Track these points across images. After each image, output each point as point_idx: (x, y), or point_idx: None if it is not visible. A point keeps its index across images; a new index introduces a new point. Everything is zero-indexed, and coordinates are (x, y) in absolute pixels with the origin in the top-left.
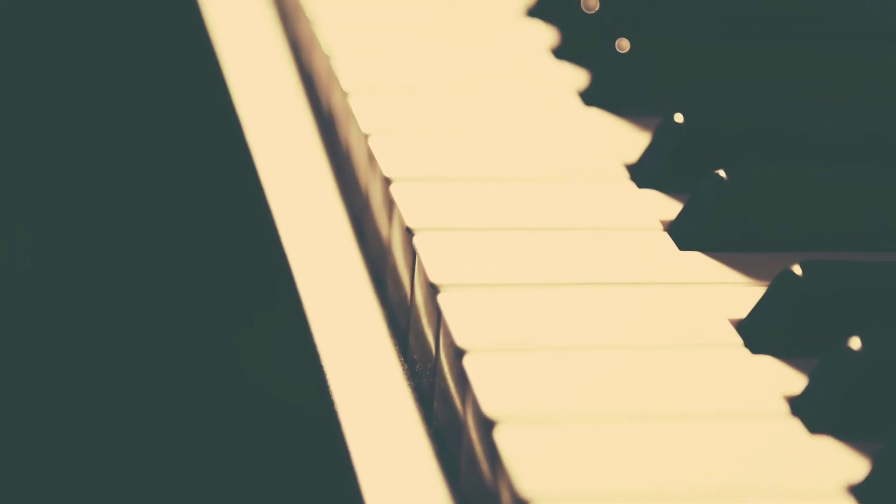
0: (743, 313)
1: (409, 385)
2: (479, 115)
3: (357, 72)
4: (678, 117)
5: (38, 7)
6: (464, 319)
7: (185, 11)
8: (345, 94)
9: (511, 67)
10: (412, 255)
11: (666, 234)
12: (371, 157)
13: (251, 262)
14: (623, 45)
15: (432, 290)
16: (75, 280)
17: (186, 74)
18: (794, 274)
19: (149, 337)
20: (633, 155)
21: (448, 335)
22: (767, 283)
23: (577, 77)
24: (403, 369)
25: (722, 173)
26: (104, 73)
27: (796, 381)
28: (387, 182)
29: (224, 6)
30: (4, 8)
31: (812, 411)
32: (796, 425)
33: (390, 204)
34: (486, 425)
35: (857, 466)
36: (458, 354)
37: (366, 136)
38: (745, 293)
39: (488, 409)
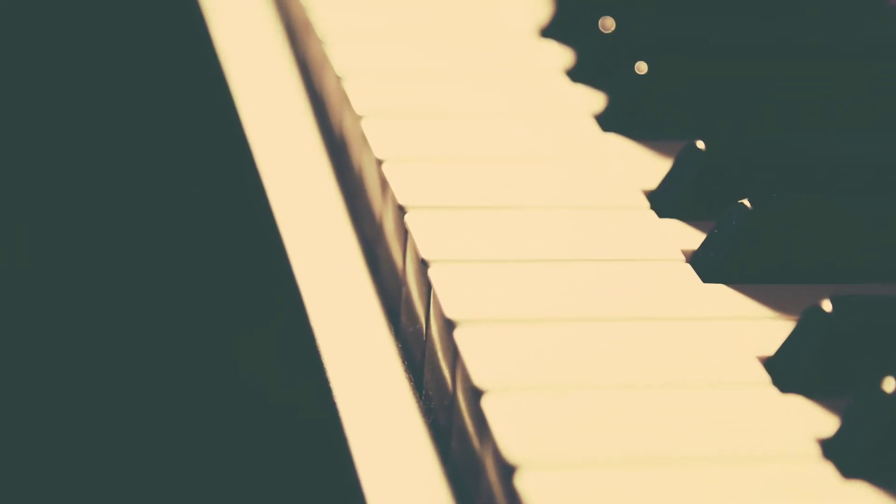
0: (770, 350)
1: (425, 422)
2: (496, 141)
3: (371, 95)
4: (700, 144)
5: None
6: (482, 357)
7: (193, 31)
8: (357, 118)
9: (526, 91)
10: (427, 287)
11: (688, 266)
12: (385, 185)
13: (262, 293)
14: (641, 67)
15: (448, 325)
16: (78, 280)
17: (194, 97)
18: (823, 310)
19: (152, 347)
20: (653, 181)
21: (465, 374)
22: (795, 317)
23: (594, 100)
24: (419, 405)
25: (747, 203)
26: (118, 90)
27: (828, 423)
28: (401, 211)
29: (233, 26)
30: (8, 8)
31: (845, 455)
32: (828, 469)
33: (404, 233)
34: (507, 470)
35: None
36: (475, 393)
37: (379, 163)
38: (771, 328)
39: (510, 454)
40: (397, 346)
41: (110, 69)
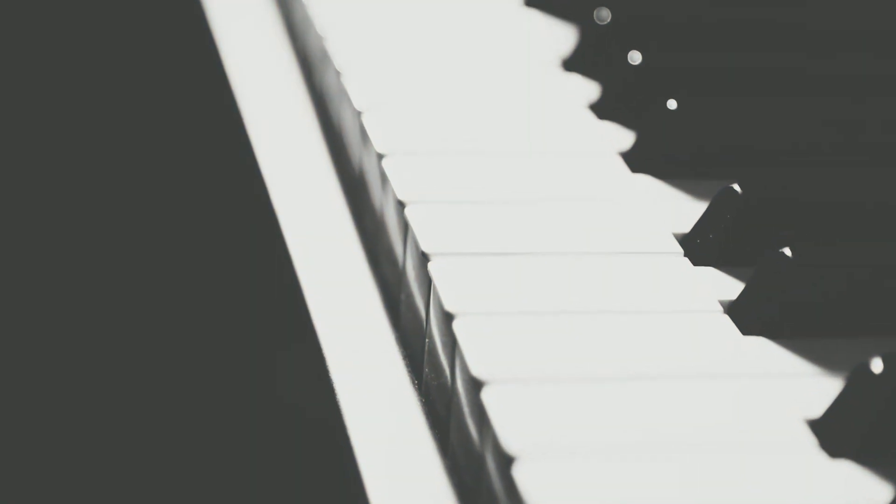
0: (817, 410)
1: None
2: (522, 182)
3: (393, 135)
4: (736, 187)
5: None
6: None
7: (211, 71)
8: (380, 157)
9: (551, 128)
10: (452, 343)
11: (727, 317)
12: (408, 229)
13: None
14: (671, 104)
15: (474, 385)
16: (73, 276)
17: (211, 139)
18: (872, 371)
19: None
20: (685, 224)
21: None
22: (841, 373)
23: (621, 136)
24: (420, 400)
25: (787, 251)
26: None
27: (881, 491)
28: (424, 258)
29: (247, 58)
30: (12, 9)
31: None
32: None
33: (428, 282)
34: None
35: None
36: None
37: (402, 205)
38: (817, 386)
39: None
40: (420, 401)
41: (123, 84)
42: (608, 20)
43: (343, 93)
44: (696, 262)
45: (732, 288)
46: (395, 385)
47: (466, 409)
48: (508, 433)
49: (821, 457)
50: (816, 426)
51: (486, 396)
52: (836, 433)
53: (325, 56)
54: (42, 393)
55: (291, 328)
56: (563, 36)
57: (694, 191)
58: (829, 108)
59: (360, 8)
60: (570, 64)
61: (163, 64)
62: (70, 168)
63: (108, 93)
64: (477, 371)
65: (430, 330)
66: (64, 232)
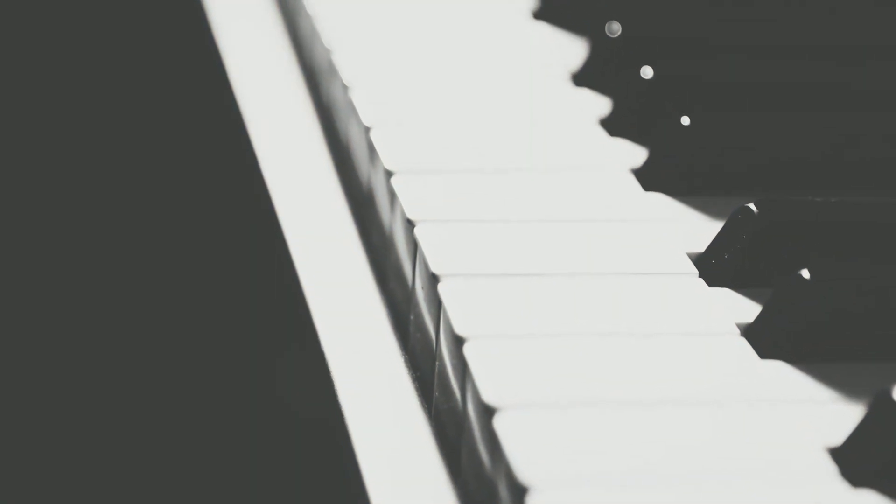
0: (838, 437)
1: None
2: (532, 200)
3: (400, 150)
4: (753, 206)
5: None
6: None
7: (216, 83)
8: (388, 174)
9: (561, 144)
10: (463, 367)
11: (744, 340)
12: (417, 248)
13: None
14: (684, 120)
15: (486, 410)
16: (71, 275)
17: (216, 153)
18: (895, 397)
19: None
20: (700, 244)
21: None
22: (863, 399)
23: (633, 153)
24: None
25: (806, 273)
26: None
27: None
28: (434, 279)
29: (252, 70)
30: (12, 8)
31: None
32: None
33: (438, 303)
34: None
35: None
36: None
37: (411, 224)
38: (837, 412)
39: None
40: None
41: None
42: (620, 33)
43: (351, 107)
44: (711, 283)
45: (749, 310)
46: (405, 408)
47: (478, 434)
48: (522, 462)
49: (842, 486)
50: (837, 454)
51: (499, 424)
52: (857, 461)
53: (332, 69)
54: (42, 394)
55: (295, 341)
56: (572, 49)
57: (708, 209)
58: (851, 123)
59: (367, 21)
60: (581, 78)
61: (167, 72)
62: (70, 168)
63: (116, 105)
64: (489, 397)
65: (441, 352)
66: (63, 232)
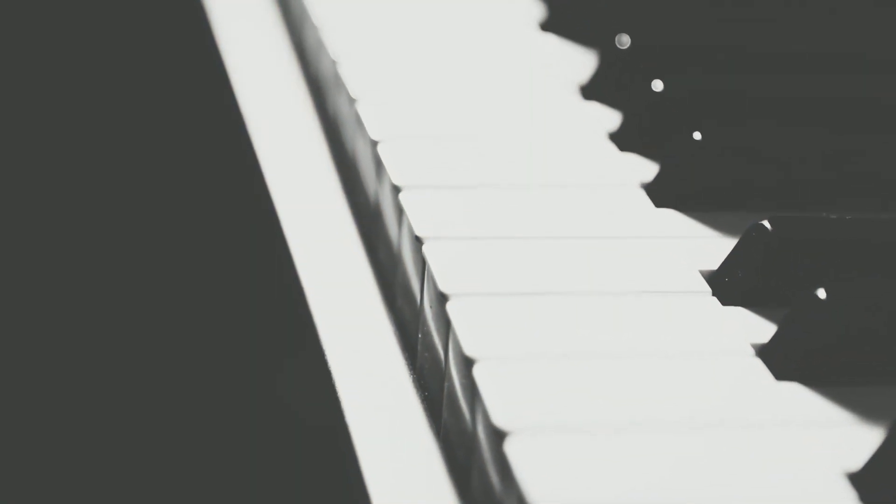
0: (857, 462)
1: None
2: (542, 217)
3: (406, 167)
4: (767, 223)
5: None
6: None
7: (220, 94)
8: (395, 189)
9: (571, 160)
10: (472, 388)
11: (759, 361)
12: (425, 265)
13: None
14: (696, 135)
15: (496, 434)
16: (69, 273)
17: (220, 166)
18: None
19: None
20: (713, 261)
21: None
22: (882, 422)
23: (644, 168)
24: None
25: (822, 293)
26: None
27: None
28: (442, 297)
29: (256, 81)
30: (12, 8)
31: None
32: None
33: (447, 322)
34: None
35: None
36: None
37: (419, 241)
38: (856, 436)
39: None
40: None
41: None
42: (629, 45)
43: (357, 120)
44: (724, 302)
45: (764, 330)
46: (413, 428)
47: (488, 456)
48: (533, 485)
49: None
50: (856, 479)
51: (510, 447)
52: (877, 486)
53: (338, 81)
54: (43, 397)
55: (302, 359)
56: (581, 62)
57: (721, 226)
58: (867, 139)
59: (374, 32)
60: (590, 91)
61: (172, 83)
62: (70, 168)
63: (122, 115)
64: (499, 420)
65: (450, 372)
66: (63, 232)
